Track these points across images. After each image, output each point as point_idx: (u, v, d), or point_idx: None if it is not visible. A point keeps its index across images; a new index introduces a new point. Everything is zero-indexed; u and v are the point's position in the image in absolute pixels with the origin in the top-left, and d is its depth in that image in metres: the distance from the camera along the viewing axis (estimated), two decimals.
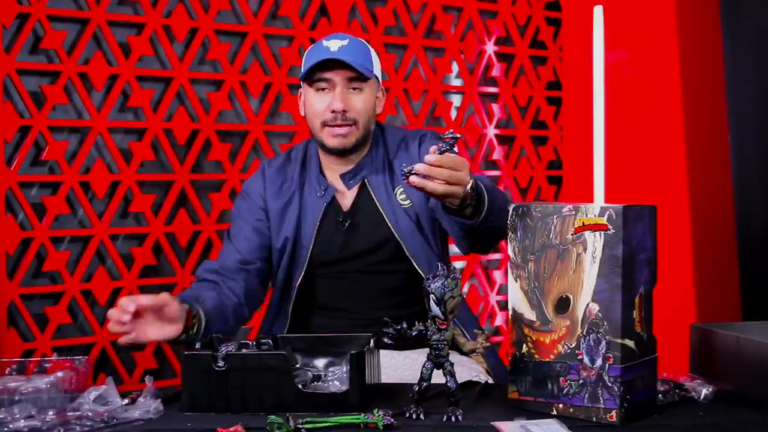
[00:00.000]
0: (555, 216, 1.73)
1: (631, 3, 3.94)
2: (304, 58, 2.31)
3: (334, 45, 2.22)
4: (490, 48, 3.99)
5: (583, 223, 1.70)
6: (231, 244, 2.29)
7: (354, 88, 2.23)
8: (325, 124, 2.23)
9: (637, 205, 1.71)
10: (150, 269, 3.24)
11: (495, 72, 4.01)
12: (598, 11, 3.92)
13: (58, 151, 3.03)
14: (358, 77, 2.22)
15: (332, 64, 2.20)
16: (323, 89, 2.23)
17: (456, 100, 3.96)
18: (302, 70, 2.26)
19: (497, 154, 4.01)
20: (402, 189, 2.26)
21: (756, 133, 3.78)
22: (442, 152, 1.79)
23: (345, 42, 2.23)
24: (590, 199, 3.87)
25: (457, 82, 3.98)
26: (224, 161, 3.35)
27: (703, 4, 3.83)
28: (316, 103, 2.24)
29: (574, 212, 1.71)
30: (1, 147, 2.90)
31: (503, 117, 4.05)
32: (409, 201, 2.25)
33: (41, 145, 3.03)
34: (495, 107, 4.01)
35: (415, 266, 2.23)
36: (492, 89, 4.01)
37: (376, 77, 2.29)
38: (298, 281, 2.25)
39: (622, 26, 3.92)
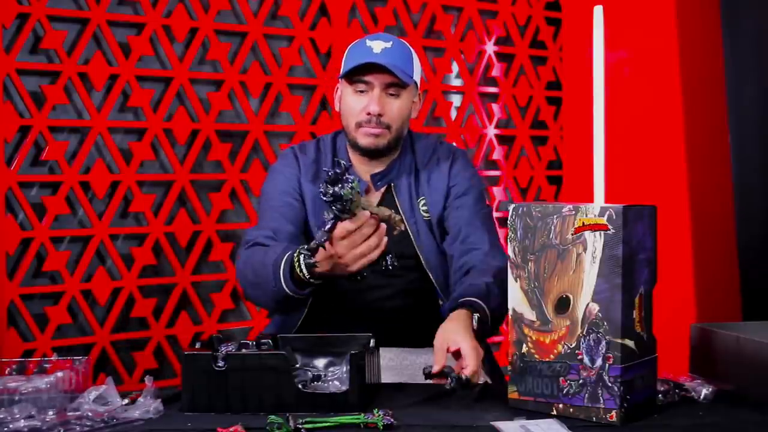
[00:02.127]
0: (555, 216, 1.74)
1: (631, 3, 3.94)
2: (345, 54, 2.27)
3: (377, 46, 2.20)
4: (490, 48, 3.99)
5: (583, 223, 1.70)
6: (275, 213, 2.24)
7: (392, 94, 2.21)
8: (359, 125, 2.22)
9: (637, 205, 1.71)
10: (150, 269, 3.24)
11: (495, 72, 4.01)
12: (598, 11, 3.92)
13: (58, 151, 3.03)
14: (397, 83, 2.20)
15: (373, 67, 2.18)
16: (361, 91, 2.21)
17: (456, 100, 3.96)
18: (343, 67, 2.24)
19: (497, 154, 4.01)
20: (425, 200, 2.26)
21: (756, 133, 3.78)
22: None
23: (389, 44, 2.21)
24: (590, 199, 3.87)
25: (457, 82, 3.98)
26: (224, 161, 3.35)
27: (703, 4, 3.83)
28: (353, 103, 2.22)
29: (574, 212, 1.71)
30: (1, 147, 2.90)
31: (503, 117, 4.05)
32: (429, 214, 2.26)
33: (41, 145, 3.03)
34: (495, 107, 4.01)
35: (429, 273, 2.24)
36: (492, 89, 4.01)
37: (415, 82, 2.26)
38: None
39: (622, 26, 3.92)
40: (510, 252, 1.79)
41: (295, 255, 1.96)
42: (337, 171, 1.77)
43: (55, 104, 3.03)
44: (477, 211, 2.27)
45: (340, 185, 1.77)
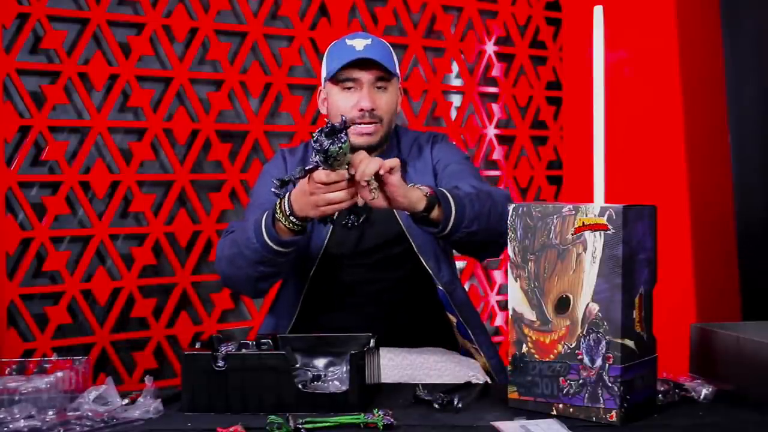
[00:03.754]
0: (555, 216, 1.74)
1: (631, 3, 3.94)
2: (326, 56, 2.29)
3: (359, 44, 2.23)
4: (490, 48, 3.99)
5: (583, 223, 1.70)
6: (258, 210, 2.22)
7: (380, 87, 2.24)
8: (352, 123, 2.22)
9: (637, 205, 1.71)
10: (150, 269, 3.24)
11: (495, 72, 4.01)
12: (598, 11, 3.92)
13: (58, 151, 3.03)
14: (384, 76, 2.23)
15: (361, 62, 2.21)
16: (349, 88, 2.23)
17: (456, 100, 3.96)
18: (327, 69, 2.25)
19: (497, 154, 4.01)
20: (415, 186, 2.27)
21: (756, 133, 3.78)
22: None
23: (369, 41, 2.24)
24: (590, 199, 3.87)
25: (457, 82, 3.98)
26: (224, 161, 3.35)
27: (703, 4, 3.83)
28: (343, 102, 2.23)
29: (574, 212, 1.71)
30: (1, 147, 2.90)
31: (503, 117, 4.05)
32: None
33: (41, 145, 3.03)
34: (495, 107, 4.01)
35: (423, 263, 2.24)
36: (492, 89, 4.01)
37: (397, 76, 2.30)
38: (311, 273, 2.26)
39: (622, 26, 3.92)
40: (510, 252, 1.79)
41: (277, 203, 2.02)
42: (335, 125, 1.80)
43: (55, 104, 3.03)
44: (463, 168, 2.28)
45: (331, 140, 1.80)
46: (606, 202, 3.41)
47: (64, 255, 3.04)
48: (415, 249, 2.24)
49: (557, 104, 4.17)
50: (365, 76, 2.22)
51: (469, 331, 2.27)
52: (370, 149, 2.26)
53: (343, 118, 1.83)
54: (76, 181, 3.05)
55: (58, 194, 3.03)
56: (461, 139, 3.91)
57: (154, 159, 3.24)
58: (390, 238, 2.26)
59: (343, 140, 1.80)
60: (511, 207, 1.80)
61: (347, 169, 1.87)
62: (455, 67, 3.95)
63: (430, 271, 2.24)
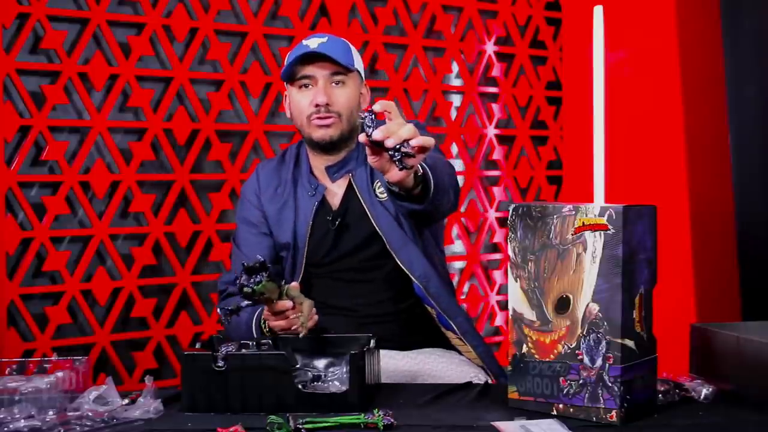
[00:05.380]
0: (555, 216, 1.74)
1: (631, 3, 3.94)
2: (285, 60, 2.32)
3: (313, 43, 2.25)
4: (490, 48, 3.99)
5: (583, 223, 1.70)
6: (241, 253, 2.31)
7: (336, 82, 2.25)
8: (309, 118, 2.24)
9: (637, 205, 1.71)
10: (150, 269, 3.24)
11: (495, 72, 4.01)
12: (598, 11, 3.92)
13: (58, 151, 3.03)
14: (340, 71, 2.24)
15: (312, 59, 2.22)
16: (306, 86, 2.25)
17: (456, 100, 3.96)
18: (283, 70, 2.28)
19: (497, 154, 4.01)
20: (380, 182, 2.26)
21: (756, 133, 3.78)
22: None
23: (324, 39, 2.26)
24: (590, 199, 3.87)
25: (457, 82, 3.98)
26: (224, 161, 3.35)
27: (703, 4, 3.83)
28: (301, 100, 2.26)
29: (574, 212, 1.71)
30: (1, 147, 2.90)
31: (503, 117, 4.05)
32: (385, 194, 2.22)
33: (41, 145, 3.03)
34: (495, 107, 4.01)
35: (398, 262, 2.22)
36: (492, 89, 4.01)
37: (359, 72, 2.30)
38: (298, 282, 2.26)
39: (622, 26, 3.92)
40: (510, 252, 1.79)
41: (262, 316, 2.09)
42: (254, 265, 1.84)
43: (55, 104, 3.03)
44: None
45: (250, 278, 1.85)
46: (606, 202, 3.40)
47: (64, 255, 3.04)
48: (388, 246, 2.23)
49: (557, 104, 4.17)
50: (319, 72, 2.23)
51: (450, 322, 2.25)
52: (333, 145, 2.27)
53: (260, 258, 1.86)
54: (76, 181, 3.05)
55: (58, 194, 3.03)
56: (461, 139, 3.91)
57: (154, 159, 3.24)
58: (365, 238, 2.26)
59: (256, 280, 1.85)
60: (511, 207, 1.80)
61: (293, 299, 1.94)
62: (455, 67, 3.95)
63: (403, 267, 2.23)
